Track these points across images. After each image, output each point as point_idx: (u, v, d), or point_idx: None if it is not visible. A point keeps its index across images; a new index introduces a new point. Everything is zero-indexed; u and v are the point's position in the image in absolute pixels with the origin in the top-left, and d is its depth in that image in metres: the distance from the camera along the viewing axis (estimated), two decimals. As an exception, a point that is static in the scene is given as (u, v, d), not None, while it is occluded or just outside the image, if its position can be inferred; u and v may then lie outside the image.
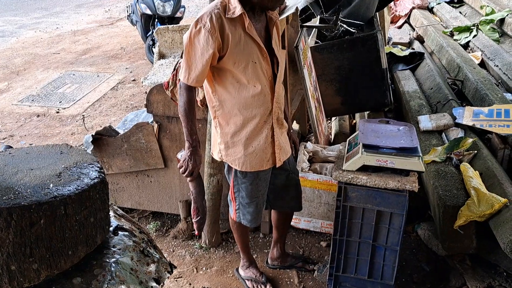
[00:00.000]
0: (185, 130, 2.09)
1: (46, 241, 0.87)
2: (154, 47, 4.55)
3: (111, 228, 0.99)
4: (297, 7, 3.44)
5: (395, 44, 5.84)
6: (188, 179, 2.18)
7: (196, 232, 2.44)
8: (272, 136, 2.21)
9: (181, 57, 2.20)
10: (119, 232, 1.00)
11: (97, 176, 0.92)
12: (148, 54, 6.38)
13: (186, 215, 3.15)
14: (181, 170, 2.16)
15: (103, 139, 3.10)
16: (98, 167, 0.96)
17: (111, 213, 1.05)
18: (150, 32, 6.33)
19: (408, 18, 6.96)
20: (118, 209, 1.09)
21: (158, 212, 3.41)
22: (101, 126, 4.84)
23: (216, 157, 2.31)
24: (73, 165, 0.95)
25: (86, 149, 4.11)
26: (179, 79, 2.06)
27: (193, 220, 2.29)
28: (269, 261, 2.91)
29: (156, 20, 6.26)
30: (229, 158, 2.24)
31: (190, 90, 2.04)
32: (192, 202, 2.26)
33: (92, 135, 3.07)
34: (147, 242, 1.02)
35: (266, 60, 2.09)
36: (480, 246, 2.70)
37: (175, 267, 1.22)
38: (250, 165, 2.23)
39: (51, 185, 0.90)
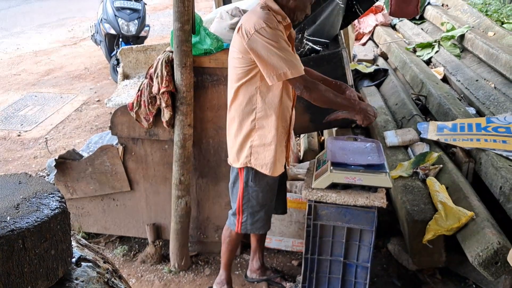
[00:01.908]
0: (345, 106, 2.24)
1: (3, 277, 0.83)
2: (119, 67, 4.51)
3: (73, 260, 0.96)
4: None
5: (360, 61, 5.97)
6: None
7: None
8: (288, 140, 2.38)
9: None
10: (82, 263, 0.97)
11: (58, 206, 0.90)
12: (113, 74, 6.31)
13: (153, 238, 3.10)
14: (372, 118, 2.25)
15: (66, 163, 3.03)
16: (59, 196, 0.94)
17: (74, 243, 1.02)
18: (115, 52, 6.27)
19: (372, 35, 7.14)
20: (81, 239, 1.06)
21: (125, 236, 3.33)
22: (65, 149, 4.73)
23: (238, 163, 2.33)
24: (32, 196, 0.92)
25: (49, 173, 4.01)
26: (293, 82, 2.09)
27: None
28: (248, 273, 2.90)
29: (121, 39, 6.21)
30: (258, 162, 2.29)
31: (306, 81, 2.12)
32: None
33: (55, 159, 2.99)
34: (111, 273, 0.99)
35: None
36: (449, 259, 2.75)
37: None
38: (276, 170, 2.33)
39: (8, 217, 0.87)
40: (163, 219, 3.10)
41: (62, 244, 0.91)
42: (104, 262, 0.99)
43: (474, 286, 2.71)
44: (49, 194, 0.93)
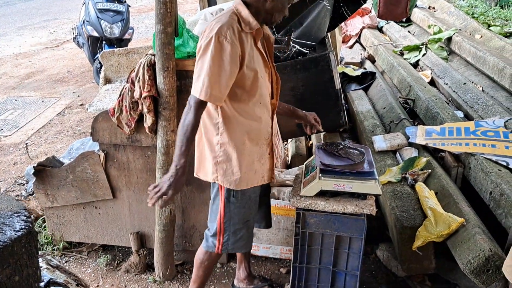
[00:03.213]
0: (179, 150, 1.97)
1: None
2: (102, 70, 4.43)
3: (42, 284, 0.89)
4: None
5: (347, 64, 5.96)
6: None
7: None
8: (272, 150, 2.26)
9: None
10: (51, 287, 0.90)
11: (23, 226, 0.82)
12: (96, 77, 6.21)
13: (137, 247, 3.03)
14: (154, 190, 1.98)
15: (46, 170, 2.95)
16: (25, 215, 0.86)
17: (44, 265, 0.95)
18: (98, 55, 6.17)
19: (359, 37, 7.14)
20: (52, 259, 0.99)
21: (109, 245, 3.26)
22: (46, 154, 4.63)
23: (209, 178, 2.21)
24: (-5, 215, 0.85)
25: (28, 181, 3.91)
26: (193, 95, 1.95)
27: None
28: (235, 282, 2.83)
29: (104, 42, 6.11)
30: (227, 178, 2.16)
31: (203, 108, 2.00)
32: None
33: (33, 167, 2.90)
34: (85, 296, 0.92)
35: (268, 75, 2.15)
36: (439, 266, 2.72)
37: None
38: (247, 183, 2.19)
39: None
40: (147, 228, 3.03)
41: (28, 269, 0.84)
42: (77, 285, 0.92)
43: (464, 293, 2.68)
44: (13, 213, 0.85)
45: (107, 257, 3.18)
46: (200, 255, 2.44)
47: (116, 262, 3.16)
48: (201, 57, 1.96)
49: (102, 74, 4.00)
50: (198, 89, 1.94)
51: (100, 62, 5.98)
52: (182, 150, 1.96)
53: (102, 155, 2.85)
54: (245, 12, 2.00)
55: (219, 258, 2.47)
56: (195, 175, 2.29)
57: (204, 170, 2.23)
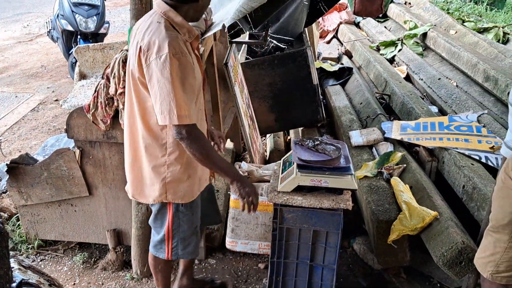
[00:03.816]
0: (222, 169, 2.01)
1: None
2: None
3: (13, 285, 0.88)
4: (223, 24, 3.42)
5: (325, 59, 5.99)
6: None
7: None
8: None
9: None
10: (23, 288, 0.90)
11: (-6, 227, 0.81)
12: (71, 72, 6.10)
13: (114, 245, 3.01)
14: (249, 207, 2.13)
15: (19, 167, 2.90)
16: (-5, 216, 0.85)
17: (15, 266, 0.93)
18: (73, 50, 6.06)
19: (336, 33, 7.18)
20: (24, 260, 0.97)
21: (85, 243, 3.22)
22: (20, 151, 4.54)
23: (155, 200, 2.12)
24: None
25: (1, 178, 3.83)
26: (177, 127, 1.84)
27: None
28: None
29: (79, 36, 6.01)
30: (178, 195, 2.11)
31: (196, 129, 1.90)
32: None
33: (6, 164, 2.85)
34: (58, 296, 0.92)
35: (201, 79, 2.09)
36: (414, 258, 2.78)
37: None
38: (194, 192, 2.16)
39: None
40: (124, 225, 3.01)
41: (-1, 270, 0.83)
42: (50, 285, 0.91)
43: (438, 284, 2.75)
44: (-16, 214, 0.84)
45: (84, 255, 3.15)
46: (152, 261, 2.40)
47: (92, 259, 3.14)
48: (159, 80, 1.79)
49: (76, 70, 3.94)
50: (176, 117, 1.81)
51: (75, 57, 5.89)
52: (224, 166, 2.04)
53: (77, 152, 2.81)
54: (178, 19, 1.88)
55: (171, 263, 2.46)
56: (131, 197, 2.21)
57: (144, 194, 2.14)
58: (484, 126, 3.44)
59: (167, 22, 1.87)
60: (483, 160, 3.00)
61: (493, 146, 3.10)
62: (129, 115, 2.05)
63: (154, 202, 2.14)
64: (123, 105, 2.42)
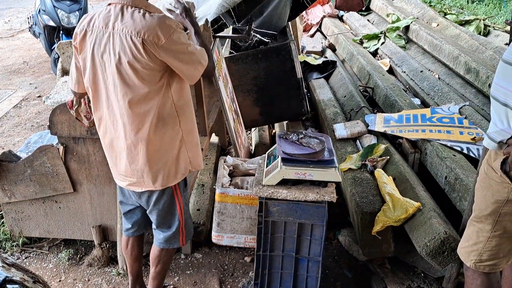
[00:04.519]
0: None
1: None
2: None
3: (-3, 283, 0.88)
4: (206, 19, 3.41)
5: (308, 53, 6.00)
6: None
7: None
8: None
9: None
10: (7, 285, 0.89)
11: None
12: (54, 68, 6.02)
13: (100, 241, 2.99)
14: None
15: (2, 165, 2.86)
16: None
17: (-2, 264, 0.93)
18: (55, 45, 5.98)
19: (320, 26, 7.20)
20: (8, 257, 0.97)
21: (70, 239, 3.20)
22: (3, 148, 4.48)
23: (171, 182, 2.16)
24: None
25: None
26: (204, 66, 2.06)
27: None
28: None
29: (61, 32, 5.93)
30: (197, 162, 2.24)
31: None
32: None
33: (-11, 162, 2.81)
34: (42, 293, 0.91)
35: None
36: (398, 249, 2.81)
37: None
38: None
39: None
40: (109, 221, 3.00)
41: (-18, 268, 0.82)
42: (34, 282, 0.91)
43: (422, 274, 2.78)
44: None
45: (69, 251, 3.12)
46: (157, 253, 2.40)
47: (78, 256, 3.11)
48: (180, 51, 1.96)
49: (59, 65, 3.89)
50: (204, 62, 2.06)
51: (57, 53, 5.81)
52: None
53: (61, 148, 2.78)
54: (151, 5, 2.01)
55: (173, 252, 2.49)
56: (155, 187, 2.17)
57: (170, 176, 2.17)
58: (465, 118, 3.48)
59: (145, 9, 1.95)
60: (465, 151, 3.04)
61: (475, 137, 3.14)
62: (118, 109, 2.04)
63: (170, 183, 2.17)
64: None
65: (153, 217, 2.31)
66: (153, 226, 2.36)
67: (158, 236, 2.37)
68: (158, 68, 1.95)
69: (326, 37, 6.71)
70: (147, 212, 2.31)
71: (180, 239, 2.36)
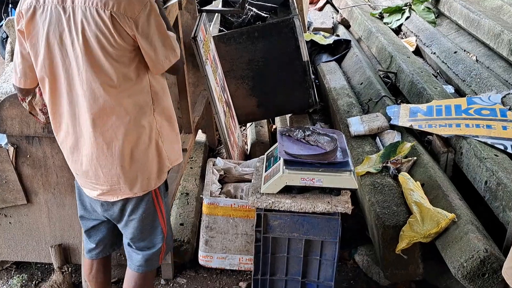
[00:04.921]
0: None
1: None
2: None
3: None
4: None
5: (316, 30, 6.00)
6: None
7: None
8: None
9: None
10: None
11: None
12: (2, 51, 6.02)
13: (60, 263, 2.99)
14: None
15: None
16: None
17: None
18: (3, 22, 5.97)
19: (331, -3, 7.21)
20: None
21: (24, 262, 3.20)
22: None
23: (159, 175, 2.19)
24: None
25: None
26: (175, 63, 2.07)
27: None
28: None
29: (10, 5, 5.92)
30: (174, 157, 2.25)
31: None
32: None
33: None
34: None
35: None
36: (428, 271, 2.81)
37: None
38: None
39: None
40: (71, 239, 2.99)
41: None
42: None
43: (457, 301, 2.79)
44: None
45: (22, 276, 3.13)
46: (134, 280, 2.37)
47: (34, 282, 3.12)
48: (153, 25, 1.96)
49: (8, 47, 3.87)
50: (177, 52, 2.07)
51: (5, 32, 5.79)
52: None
53: (11, 150, 2.78)
54: None
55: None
56: (132, 194, 2.17)
57: (150, 180, 2.17)
58: (510, 109, 3.49)
59: None
60: (509, 150, 3.04)
61: (521, 133, 3.16)
62: (80, 101, 2.03)
63: (151, 187, 2.17)
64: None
65: (128, 232, 2.28)
66: (127, 244, 2.35)
67: (135, 257, 2.34)
68: (129, 48, 1.95)
69: (338, 11, 6.72)
70: (121, 226, 2.29)
71: (161, 255, 2.35)
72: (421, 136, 3.48)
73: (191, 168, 3.70)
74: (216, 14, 4.28)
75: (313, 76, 4.22)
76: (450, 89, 4.28)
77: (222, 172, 3.20)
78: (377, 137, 3.53)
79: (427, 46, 5.18)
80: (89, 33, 1.90)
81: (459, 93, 4.25)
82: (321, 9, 7.15)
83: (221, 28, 4.21)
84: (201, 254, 2.98)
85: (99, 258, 2.47)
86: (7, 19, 3.94)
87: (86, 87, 1.98)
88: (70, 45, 1.94)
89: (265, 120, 4.50)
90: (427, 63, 5.05)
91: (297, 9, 4.33)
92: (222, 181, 3.18)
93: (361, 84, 4.41)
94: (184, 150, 3.24)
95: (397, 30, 5.87)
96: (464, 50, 4.87)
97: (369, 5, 6.61)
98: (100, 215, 2.30)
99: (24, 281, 3.11)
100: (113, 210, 2.22)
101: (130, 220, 2.23)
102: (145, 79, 2.04)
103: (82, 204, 2.35)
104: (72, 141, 2.13)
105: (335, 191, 2.32)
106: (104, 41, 1.91)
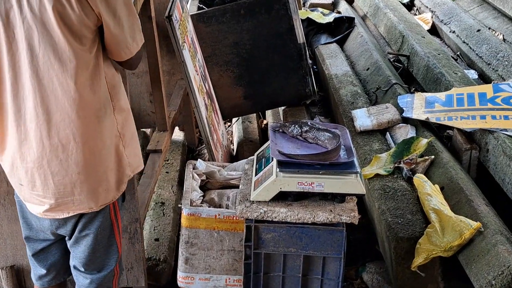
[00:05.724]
0: None
1: None
2: None
3: None
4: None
5: (314, 6, 5.99)
6: None
7: None
8: None
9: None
10: None
11: None
12: None
13: (13, 289, 2.98)
14: None
15: None
16: None
17: None
18: None
19: (330, -34, 7.21)
20: None
21: (-33, 288, 3.19)
22: None
23: (109, 197, 2.16)
24: None
25: None
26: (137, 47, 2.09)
27: None
28: None
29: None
30: (136, 163, 2.26)
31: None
32: None
33: None
34: None
35: None
36: (450, 289, 2.83)
37: None
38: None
39: None
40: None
41: None
42: None
43: (484, 325, 2.80)
44: None
45: (-34, 306, 3.12)
46: None
47: (-20, 312, 3.11)
48: (127, 6, 2.00)
49: None
50: (138, 37, 2.09)
51: None
52: None
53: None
54: None
55: None
56: (96, 208, 2.16)
57: (110, 189, 2.16)
58: (543, 97, 3.51)
59: None
60: (543, 145, 3.06)
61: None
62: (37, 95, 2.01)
63: (109, 199, 2.16)
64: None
65: (78, 250, 2.25)
66: (76, 265, 2.30)
67: (82, 281, 2.32)
68: (92, 27, 1.93)
69: (339, -17, 6.73)
70: (70, 243, 2.25)
71: (114, 280, 2.34)
72: (439, 131, 3.49)
73: (167, 172, 3.69)
74: (194, -12, 4.27)
75: (310, 61, 4.22)
76: (472, 74, 4.29)
77: (204, 177, 3.19)
78: (387, 133, 3.54)
79: (445, 24, 5.19)
80: (47, 6, 1.85)
81: (484, 79, 4.26)
82: (319, -19, 7.15)
83: (201, 5, 4.20)
84: (180, 275, 2.97)
85: (52, 286, 2.44)
86: None
87: (43, 74, 1.94)
88: (21, 24, 1.90)
89: (254, 114, 4.49)
90: (445, 43, 5.07)
91: (290, -18, 4.33)
92: (204, 187, 3.17)
93: (367, 69, 4.42)
94: (158, 152, 3.25)
95: (410, 5, 5.90)
96: (489, 28, 4.89)
97: (376, -25, 6.63)
98: (49, 234, 2.24)
99: (-32, 311, 3.10)
100: (64, 228, 2.19)
101: (83, 236, 2.20)
102: (103, 69, 2.03)
103: (26, 223, 2.30)
104: (14, 144, 2.05)
105: (339, 198, 2.32)
106: (65, 16, 1.87)
